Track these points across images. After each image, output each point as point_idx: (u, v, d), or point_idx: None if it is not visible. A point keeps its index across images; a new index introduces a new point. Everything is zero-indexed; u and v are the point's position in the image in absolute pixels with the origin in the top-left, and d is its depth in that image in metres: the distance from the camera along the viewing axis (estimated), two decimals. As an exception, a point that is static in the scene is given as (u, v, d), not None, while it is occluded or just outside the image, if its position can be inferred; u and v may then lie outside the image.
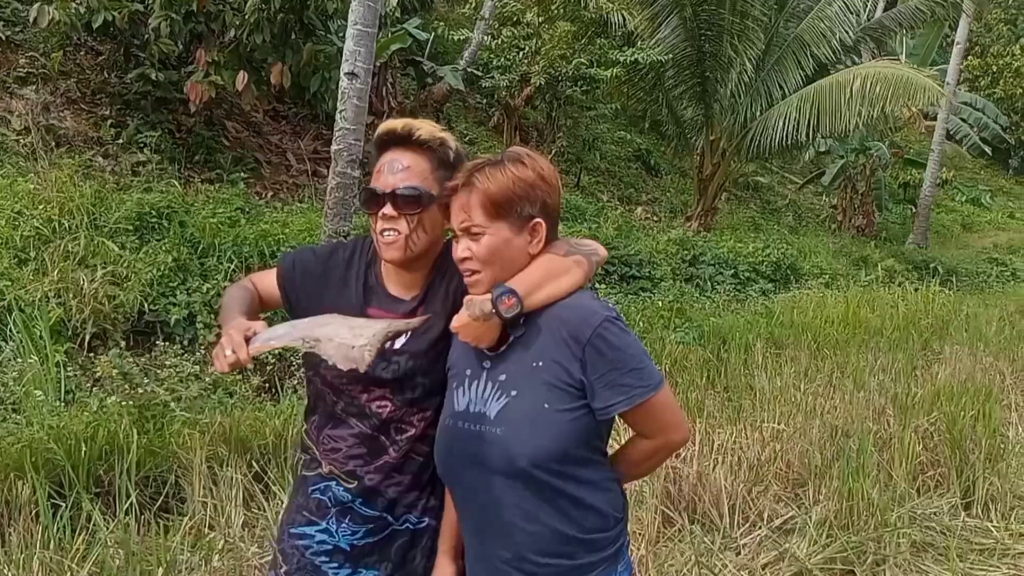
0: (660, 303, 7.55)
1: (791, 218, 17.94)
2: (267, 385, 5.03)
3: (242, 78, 7.92)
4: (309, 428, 1.96)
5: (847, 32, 12.84)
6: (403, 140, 1.84)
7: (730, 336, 6.76)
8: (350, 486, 1.87)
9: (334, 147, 6.66)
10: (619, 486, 1.81)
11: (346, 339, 1.66)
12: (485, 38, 11.58)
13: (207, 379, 4.39)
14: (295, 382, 5.09)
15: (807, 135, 12.41)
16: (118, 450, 3.62)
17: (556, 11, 11.35)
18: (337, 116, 6.64)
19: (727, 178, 14.05)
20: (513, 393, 1.71)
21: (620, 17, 12.52)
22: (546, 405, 1.68)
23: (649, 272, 9.23)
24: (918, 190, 20.31)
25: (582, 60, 10.46)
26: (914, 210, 20.57)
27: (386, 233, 1.82)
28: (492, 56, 11.40)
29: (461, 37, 11.51)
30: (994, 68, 26.02)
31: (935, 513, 3.87)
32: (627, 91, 13.52)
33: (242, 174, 7.89)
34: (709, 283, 9.68)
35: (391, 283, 1.91)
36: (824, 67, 13.26)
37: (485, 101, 12.64)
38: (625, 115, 16.74)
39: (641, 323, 6.83)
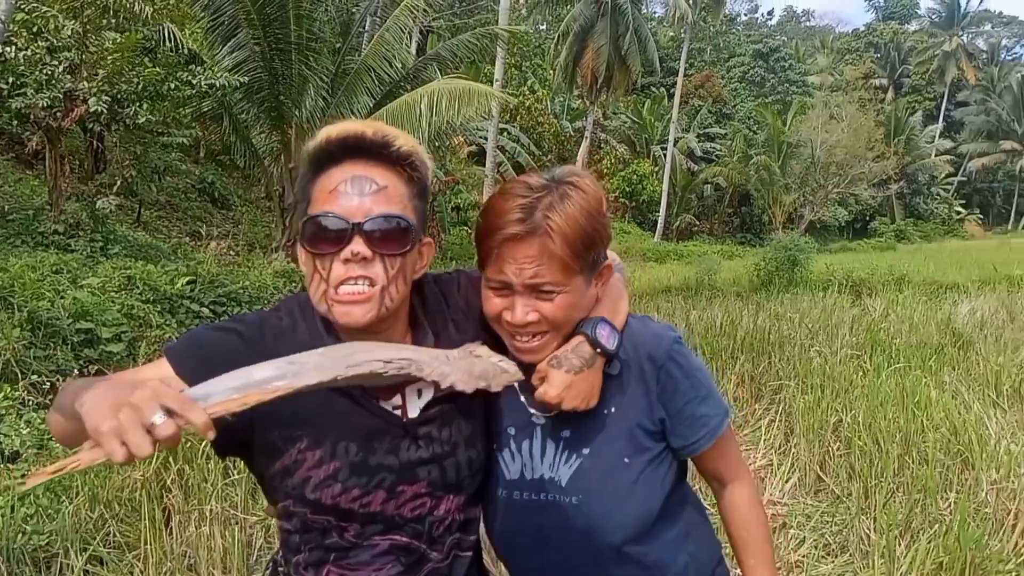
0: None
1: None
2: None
3: None
4: (293, 570, 1.34)
5: (408, 55, 13.23)
6: (374, 152, 1.24)
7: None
8: None
9: None
10: (705, 525, 1.51)
11: (450, 357, 1.16)
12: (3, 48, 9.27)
13: None
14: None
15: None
16: None
17: (98, 20, 9.58)
18: None
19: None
20: (585, 451, 1.39)
21: (173, 34, 11.14)
22: (626, 460, 1.38)
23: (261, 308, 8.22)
24: (468, 212, 22.20)
25: (155, 71, 8.91)
26: (468, 231, 22.34)
27: (349, 285, 1.21)
28: (23, 69, 9.18)
29: (-27, 43, 9.07)
30: (511, 105, 29.58)
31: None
32: (185, 118, 11.97)
33: None
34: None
35: (364, 338, 1.27)
36: (392, 93, 13.49)
37: (14, 123, 10.20)
38: (182, 146, 15.10)
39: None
